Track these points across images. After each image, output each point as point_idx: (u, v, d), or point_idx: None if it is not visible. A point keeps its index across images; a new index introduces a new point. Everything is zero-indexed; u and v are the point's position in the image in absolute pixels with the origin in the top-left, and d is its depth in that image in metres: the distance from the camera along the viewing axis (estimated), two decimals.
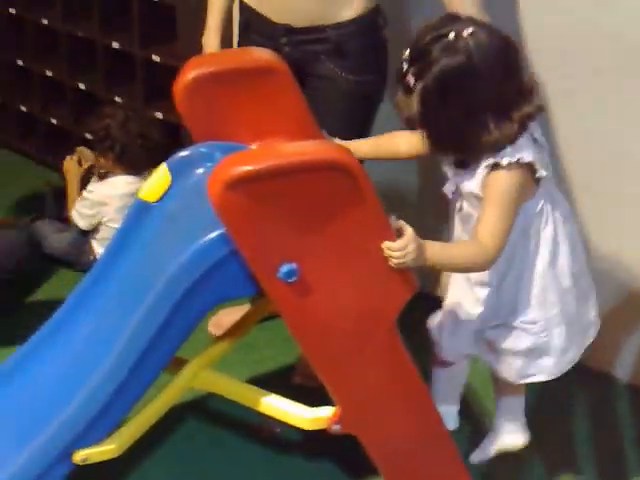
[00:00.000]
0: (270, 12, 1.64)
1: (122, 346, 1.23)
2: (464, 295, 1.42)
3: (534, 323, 1.38)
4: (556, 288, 1.36)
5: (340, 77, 1.63)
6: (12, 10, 2.62)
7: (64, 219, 2.37)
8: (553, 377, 1.45)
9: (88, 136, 2.53)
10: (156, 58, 2.34)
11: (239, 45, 1.73)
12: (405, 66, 1.23)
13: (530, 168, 1.26)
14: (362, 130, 1.67)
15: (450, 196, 1.38)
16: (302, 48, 1.61)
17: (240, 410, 1.47)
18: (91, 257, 2.33)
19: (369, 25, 1.45)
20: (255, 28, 1.68)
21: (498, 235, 1.24)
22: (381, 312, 1.25)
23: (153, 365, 1.26)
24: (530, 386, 1.52)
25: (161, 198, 1.46)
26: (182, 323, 1.24)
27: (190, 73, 1.41)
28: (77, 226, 2.29)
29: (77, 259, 2.34)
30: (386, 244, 1.17)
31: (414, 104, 1.22)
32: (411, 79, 1.21)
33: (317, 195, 1.14)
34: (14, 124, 2.88)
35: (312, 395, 1.40)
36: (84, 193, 2.28)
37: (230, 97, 1.43)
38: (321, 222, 1.16)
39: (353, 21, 1.59)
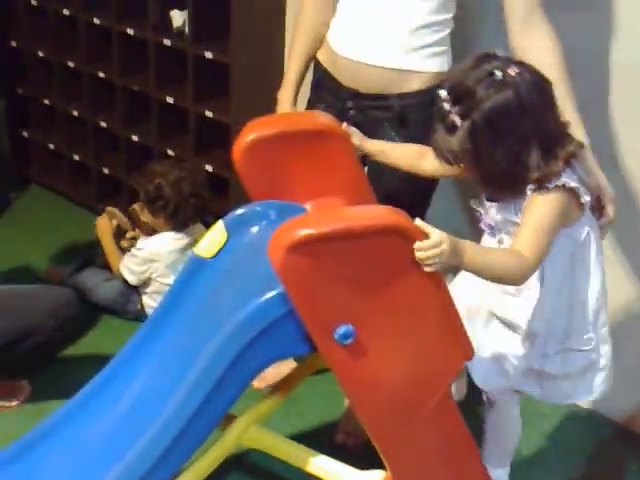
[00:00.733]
0: (341, 75, 1.69)
1: (178, 402, 1.24)
2: (507, 338, 1.41)
3: (589, 344, 1.39)
4: (606, 308, 1.40)
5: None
6: (71, 63, 2.73)
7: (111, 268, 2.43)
8: (599, 395, 1.45)
9: (138, 188, 2.61)
10: (208, 113, 2.41)
11: (310, 101, 1.78)
12: (447, 106, 1.23)
13: (574, 193, 1.28)
14: (424, 195, 1.70)
15: (488, 231, 1.39)
16: (366, 113, 1.66)
17: (280, 465, 1.47)
18: (138, 306, 2.37)
19: (433, 98, 1.48)
20: (326, 87, 1.73)
21: (537, 250, 1.24)
22: (436, 377, 1.24)
23: (208, 420, 1.26)
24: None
25: (216, 254, 1.49)
26: (238, 379, 1.25)
27: (250, 134, 1.45)
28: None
29: (123, 308, 2.38)
30: (417, 244, 1.14)
31: (456, 143, 1.23)
32: (456, 118, 1.22)
33: (376, 258, 1.15)
34: (67, 172, 2.97)
35: (354, 454, 1.40)
36: (133, 250, 2.32)
37: (287, 158, 1.47)
38: (379, 285, 1.17)
39: (418, 93, 1.62)
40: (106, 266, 2.44)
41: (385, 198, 1.48)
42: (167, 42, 2.39)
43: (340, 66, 1.67)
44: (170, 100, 2.49)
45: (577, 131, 1.40)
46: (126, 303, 2.37)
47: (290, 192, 1.49)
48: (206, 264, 1.49)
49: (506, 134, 1.22)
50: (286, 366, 1.71)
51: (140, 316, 2.37)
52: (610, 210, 1.41)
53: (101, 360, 2.14)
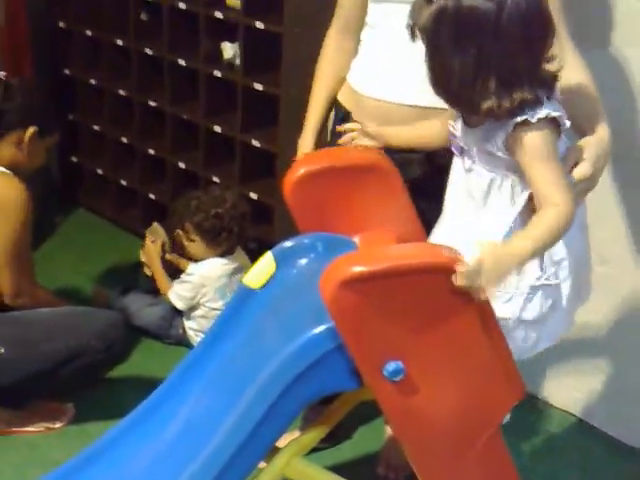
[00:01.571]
0: (365, 116, 1.64)
1: (225, 433, 1.25)
2: None
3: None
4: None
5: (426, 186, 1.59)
6: (122, 91, 2.81)
7: (155, 291, 2.46)
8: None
9: (183, 214, 2.65)
10: (255, 142, 2.45)
11: (333, 143, 1.72)
12: None
13: (556, 122, 1.20)
14: None
15: (457, 153, 1.33)
16: (393, 154, 1.59)
17: None
18: (180, 331, 2.40)
19: None
20: (349, 131, 1.65)
21: (563, 186, 1.19)
22: (486, 416, 1.23)
23: (253, 453, 1.26)
24: None
25: (264, 285, 1.51)
26: (285, 413, 1.25)
27: (301, 168, 1.47)
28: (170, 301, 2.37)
29: (166, 332, 2.41)
30: (457, 275, 1.10)
31: (424, 16, 1.15)
32: None
33: (428, 296, 1.15)
34: (114, 197, 3.03)
35: None
36: (183, 276, 2.35)
37: (337, 191, 1.48)
38: (430, 322, 1.17)
39: None
40: (149, 290, 2.49)
41: None
42: (217, 73, 2.45)
43: (364, 106, 1.64)
44: (218, 129, 2.53)
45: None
46: (169, 328, 2.40)
47: (339, 225, 1.50)
48: (254, 294, 1.51)
49: (466, 40, 1.13)
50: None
51: (182, 341, 2.40)
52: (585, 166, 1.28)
53: (143, 383, 2.19)
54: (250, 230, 2.40)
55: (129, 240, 2.98)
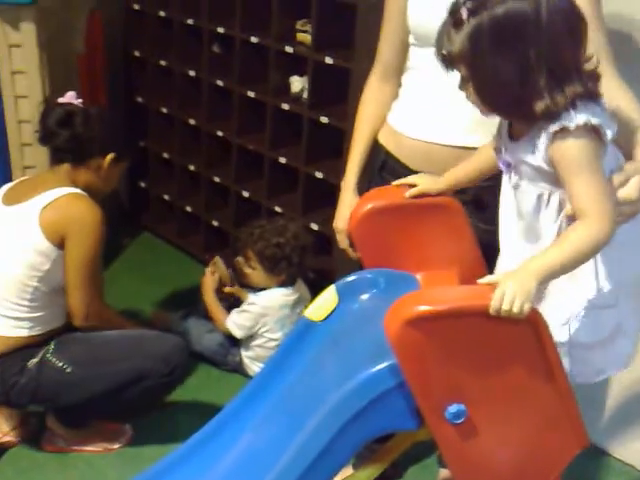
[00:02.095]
0: (408, 158, 1.64)
1: (282, 467, 1.25)
2: None
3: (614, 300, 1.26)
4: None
5: (476, 227, 1.56)
6: (192, 120, 2.89)
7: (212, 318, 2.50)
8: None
9: (244, 241, 2.69)
10: (318, 174, 2.48)
11: (373, 185, 1.71)
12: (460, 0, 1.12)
13: (597, 131, 1.14)
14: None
15: (505, 169, 1.28)
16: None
17: None
18: (237, 359, 2.42)
19: None
20: (390, 170, 1.68)
21: (602, 199, 1.13)
22: (547, 463, 1.20)
23: None
24: None
25: (326, 318, 1.52)
26: (342, 450, 1.25)
27: (367, 204, 1.48)
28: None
29: (223, 359, 2.44)
30: (490, 307, 1.09)
31: (457, 41, 1.12)
32: (464, 13, 1.10)
33: (493, 339, 1.14)
34: (179, 222, 3.11)
35: None
36: (244, 306, 2.38)
37: (401, 228, 1.49)
38: (494, 366, 1.16)
39: (494, 176, 1.51)
40: (207, 317, 2.52)
41: None
42: (285, 106, 2.49)
43: (407, 148, 1.63)
44: (282, 160, 2.58)
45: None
46: (226, 355, 2.43)
47: (402, 261, 1.50)
48: (315, 327, 1.51)
49: (511, 47, 1.10)
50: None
51: (238, 368, 2.42)
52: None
53: (198, 408, 2.22)
54: (310, 261, 2.42)
55: (191, 265, 3.04)
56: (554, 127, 1.14)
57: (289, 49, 2.43)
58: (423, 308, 1.12)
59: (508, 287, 1.09)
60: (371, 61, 2.24)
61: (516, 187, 1.28)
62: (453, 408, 1.16)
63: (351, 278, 1.53)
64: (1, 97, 2.47)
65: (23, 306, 1.85)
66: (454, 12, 1.13)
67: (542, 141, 1.16)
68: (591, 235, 1.13)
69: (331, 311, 1.52)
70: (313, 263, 2.45)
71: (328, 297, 1.51)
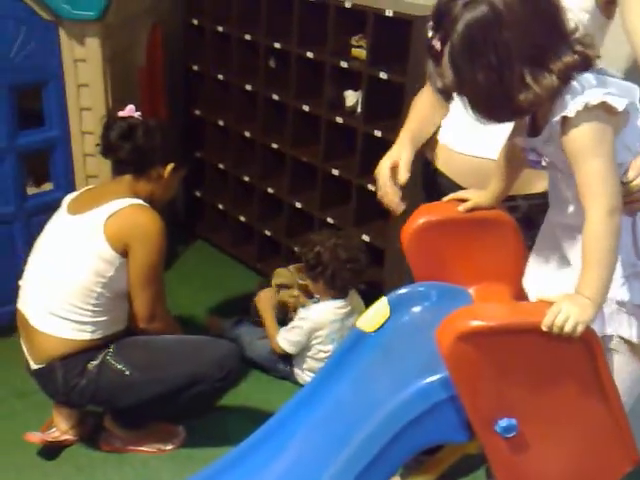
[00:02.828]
0: (458, 175, 1.65)
1: (331, 475, 1.28)
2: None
3: None
4: None
5: (527, 245, 1.54)
6: (247, 133, 2.96)
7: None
8: None
9: (296, 249, 2.75)
10: (371, 187, 2.50)
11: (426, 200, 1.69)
12: (430, 34, 1.15)
13: (605, 106, 1.12)
14: None
15: (534, 165, 1.28)
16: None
17: None
18: (288, 367, 2.46)
19: None
20: (439, 187, 1.69)
21: (598, 186, 1.13)
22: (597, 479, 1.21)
23: None
24: None
25: (378, 330, 1.55)
26: (392, 459, 1.27)
27: (420, 218, 1.50)
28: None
29: (275, 366, 2.48)
30: (543, 322, 1.11)
31: (446, 72, 1.14)
32: (437, 45, 1.14)
33: (545, 355, 1.15)
34: (232, 231, 3.18)
35: None
36: (295, 321, 2.40)
37: (454, 242, 1.51)
38: (546, 382, 1.17)
39: (544, 194, 1.51)
40: (259, 324, 2.57)
41: None
42: (339, 119, 2.54)
43: (457, 164, 1.63)
44: (336, 172, 2.62)
45: None
46: (276, 362, 2.47)
47: (454, 275, 1.52)
48: (367, 338, 1.54)
49: (485, 53, 1.11)
50: None
51: (289, 376, 2.47)
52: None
53: (249, 414, 2.27)
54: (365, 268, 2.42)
55: (244, 273, 3.11)
56: (556, 118, 1.14)
57: (344, 64, 2.47)
58: (476, 323, 1.14)
59: (564, 306, 1.11)
60: (423, 77, 2.27)
61: (558, 178, 1.27)
62: (504, 422, 1.18)
63: (403, 290, 1.56)
64: (66, 109, 2.57)
65: (87, 310, 1.93)
66: (429, 50, 1.16)
67: (555, 136, 1.17)
68: (599, 228, 1.13)
69: (383, 323, 1.55)
70: (366, 270, 2.48)
71: (380, 309, 1.54)
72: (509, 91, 1.12)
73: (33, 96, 2.47)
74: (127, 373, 1.94)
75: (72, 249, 1.94)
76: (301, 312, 2.43)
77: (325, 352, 2.37)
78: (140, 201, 1.96)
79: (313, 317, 2.37)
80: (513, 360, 1.17)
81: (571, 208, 1.28)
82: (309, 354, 2.40)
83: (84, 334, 1.94)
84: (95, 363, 1.94)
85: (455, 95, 1.19)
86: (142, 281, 1.94)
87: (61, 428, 2.12)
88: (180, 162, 2.08)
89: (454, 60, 1.13)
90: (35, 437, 2.08)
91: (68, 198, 2.05)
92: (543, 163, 1.28)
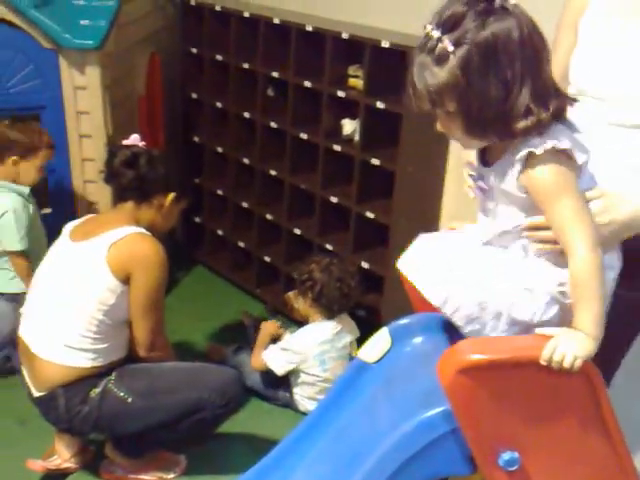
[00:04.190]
0: None
1: None
2: None
3: None
4: None
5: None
6: (246, 160, 2.99)
7: None
8: None
9: (295, 275, 2.77)
10: (369, 214, 2.53)
11: None
12: (436, 33, 1.12)
13: (567, 155, 1.15)
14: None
15: (479, 195, 1.28)
16: None
17: None
18: (287, 395, 2.47)
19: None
20: None
21: (578, 227, 1.15)
22: None
23: None
24: None
25: (379, 360, 1.56)
26: None
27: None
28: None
29: (274, 395, 2.48)
30: (541, 356, 1.13)
31: (444, 75, 1.11)
32: (449, 45, 1.10)
33: (546, 388, 1.17)
34: (231, 257, 3.19)
35: None
36: (281, 343, 2.42)
37: None
38: (547, 415, 1.18)
39: None
40: None
41: None
42: (337, 147, 2.57)
43: None
44: (334, 199, 2.64)
45: None
46: (276, 391, 2.48)
47: None
48: (368, 369, 1.55)
49: (502, 67, 1.11)
50: None
51: (289, 404, 2.47)
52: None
53: (250, 442, 2.27)
54: (359, 298, 2.46)
55: (243, 299, 3.12)
56: (522, 153, 1.15)
57: (341, 93, 2.50)
58: (476, 357, 1.16)
59: (562, 341, 1.13)
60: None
61: (492, 213, 1.28)
62: (506, 455, 1.19)
63: (404, 321, 1.57)
64: (66, 136, 2.60)
65: (88, 337, 1.94)
66: (432, 48, 1.12)
67: (513, 167, 1.18)
68: (585, 267, 1.15)
69: (384, 353, 1.56)
70: (362, 300, 2.50)
71: (381, 339, 1.55)
72: (510, 112, 1.13)
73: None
74: (129, 400, 1.95)
75: (74, 276, 1.95)
76: (286, 336, 2.46)
77: (317, 376, 2.39)
78: (142, 230, 1.98)
79: (299, 339, 2.39)
80: (514, 393, 1.18)
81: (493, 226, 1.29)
82: (302, 380, 2.42)
83: (86, 361, 1.95)
84: (97, 390, 1.95)
85: (428, 106, 1.16)
86: (143, 310, 1.95)
87: (63, 456, 2.12)
88: (181, 193, 2.10)
89: (468, 65, 1.11)
90: (37, 465, 2.08)
91: (70, 225, 2.07)
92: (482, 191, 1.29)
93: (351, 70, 2.55)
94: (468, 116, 1.15)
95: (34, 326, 2.00)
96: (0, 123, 2.35)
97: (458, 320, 1.28)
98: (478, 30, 1.10)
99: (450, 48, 1.11)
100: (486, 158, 1.27)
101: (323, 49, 2.52)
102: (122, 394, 1.95)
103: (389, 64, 2.36)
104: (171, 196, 2.05)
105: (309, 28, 2.55)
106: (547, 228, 1.21)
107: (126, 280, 1.92)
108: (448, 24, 1.12)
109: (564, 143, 1.15)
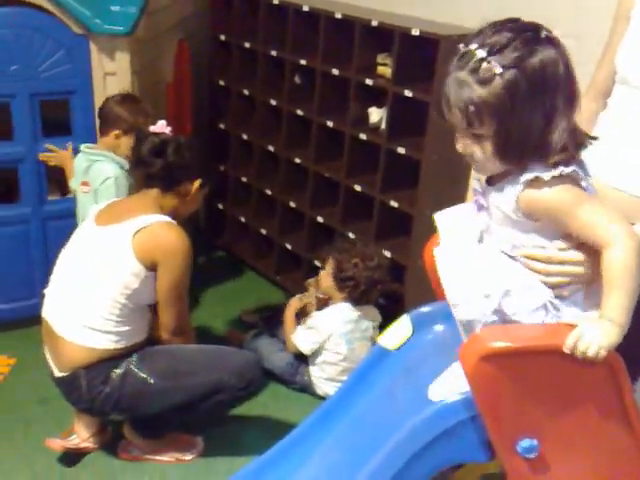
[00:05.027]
0: None
1: None
2: None
3: None
4: None
5: None
6: (271, 147, 2.99)
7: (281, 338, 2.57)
8: None
9: (317, 263, 2.77)
10: (393, 203, 2.52)
11: None
12: (481, 53, 1.12)
13: (572, 180, 1.17)
14: None
15: (477, 208, 1.29)
16: None
17: None
18: (305, 378, 2.48)
19: None
20: None
21: (611, 218, 1.15)
22: None
23: None
24: None
25: (400, 347, 1.56)
26: (413, 477, 1.28)
27: None
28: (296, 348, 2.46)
29: (291, 378, 2.49)
30: (565, 344, 1.13)
31: (485, 94, 1.11)
32: (496, 67, 1.11)
33: (568, 377, 1.16)
34: (253, 244, 3.20)
35: None
36: (308, 322, 2.44)
37: None
38: (568, 404, 1.18)
39: None
40: (274, 336, 2.60)
41: None
42: (363, 136, 2.56)
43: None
44: (358, 188, 2.64)
45: None
46: (294, 374, 2.49)
47: None
48: (389, 355, 1.56)
49: (546, 96, 1.12)
50: None
51: (307, 387, 2.48)
52: None
53: (266, 424, 2.28)
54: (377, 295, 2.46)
55: (263, 286, 3.13)
56: (528, 176, 1.16)
57: (369, 82, 2.49)
58: (499, 344, 1.15)
59: (587, 330, 1.12)
60: None
61: (486, 230, 1.29)
62: (525, 442, 1.18)
63: (425, 309, 1.57)
64: (94, 121, 2.60)
65: (111, 320, 1.96)
66: (475, 68, 1.13)
67: (512, 190, 1.19)
68: (629, 254, 1.14)
69: (405, 340, 1.56)
70: (385, 289, 2.49)
71: (402, 327, 1.56)
72: (550, 143, 1.14)
73: (64, 107, 2.53)
74: (150, 382, 1.96)
75: (99, 260, 1.97)
76: (315, 314, 2.46)
77: (340, 354, 2.40)
78: (168, 218, 1.99)
79: (325, 319, 2.40)
80: (535, 381, 1.18)
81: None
82: (324, 359, 2.42)
83: (108, 343, 1.97)
84: (119, 372, 1.97)
85: (462, 123, 1.16)
86: (170, 297, 1.97)
87: (81, 436, 2.15)
88: (205, 177, 2.11)
89: (514, 88, 1.11)
90: (56, 443, 2.11)
91: (96, 209, 2.09)
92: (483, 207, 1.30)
93: (380, 58, 2.53)
94: (506, 140, 1.15)
95: (58, 307, 2.02)
96: (111, 98, 2.40)
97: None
98: (527, 56, 1.11)
99: (498, 70, 1.11)
100: (491, 176, 1.28)
101: (352, 37, 2.51)
102: (143, 375, 1.97)
103: (418, 52, 2.35)
104: (197, 183, 2.06)
105: (338, 15, 2.54)
106: (545, 261, 1.22)
107: (150, 266, 1.94)
108: (495, 46, 1.12)
109: (567, 168, 1.16)
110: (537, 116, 1.13)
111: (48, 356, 2.05)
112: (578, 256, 1.21)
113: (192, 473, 2.13)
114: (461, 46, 1.16)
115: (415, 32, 2.29)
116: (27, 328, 2.55)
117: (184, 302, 2.02)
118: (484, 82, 1.12)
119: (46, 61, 2.44)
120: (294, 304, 2.55)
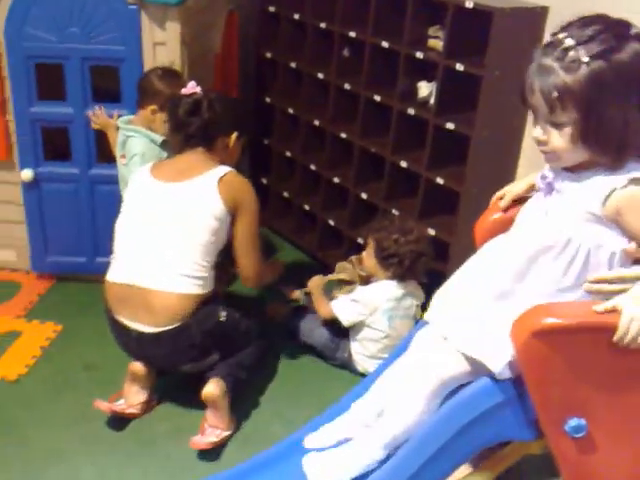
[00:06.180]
0: None
1: (393, 466, 1.28)
2: None
3: None
4: None
5: None
6: (317, 122, 2.96)
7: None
8: None
9: (359, 240, 2.74)
10: (440, 180, 2.48)
11: None
12: (570, 42, 1.14)
13: None
14: None
15: (544, 188, 1.28)
16: None
17: None
18: (346, 354, 2.46)
19: None
20: None
21: None
22: None
23: None
24: None
25: None
26: (458, 452, 1.27)
27: (495, 214, 1.49)
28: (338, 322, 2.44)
29: (332, 354, 2.48)
30: (616, 336, 1.11)
31: (571, 80, 1.13)
32: (583, 55, 1.12)
33: (620, 357, 1.13)
34: (296, 220, 3.19)
35: None
36: (352, 295, 2.42)
37: None
38: (618, 384, 1.14)
39: None
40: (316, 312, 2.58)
41: None
42: (411, 111, 2.51)
43: None
44: (404, 164, 2.59)
45: None
46: (335, 350, 2.48)
47: None
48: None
49: (631, 91, 1.13)
50: None
51: (347, 364, 2.47)
52: None
53: (306, 399, 2.27)
54: (423, 268, 2.41)
55: (305, 261, 3.12)
56: (628, 176, 1.16)
57: (419, 55, 2.44)
58: (552, 321, 1.12)
59: (638, 313, 1.09)
60: (502, 69, 2.23)
61: (544, 214, 1.28)
62: (573, 422, 1.15)
63: None
64: None
65: (204, 266, 2.08)
66: (562, 56, 1.14)
67: (604, 186, 1.18)
68: None
69: None
70: (428, 267, 2.45)
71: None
72: (628, 138, 1.15)
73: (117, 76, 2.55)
74: (242, 322, 2.17)
75: (184, 210, 2.06)
76: (358, 289, 2.43)
77: (382, 331, 2.37)
78: (228, 168, 2.11)
79: (368, 295, 2.38)
80: (587, 360, 1.14)
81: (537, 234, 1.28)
82: (364, 335, 2.40)
83: (198, 289, 2.08)
84: (224, 313, 2.11)
85: (545, 108, 1.17)
86: (251, 240, 2.13)
87: (130, 401, 2.17)
88: (240, 130, 2.21)
89: (600, 79, 1.12)
90: (103, 405, 2.14)
91: (146, 170, 2.16)
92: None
93: (431, 31, 2.48)
94: (586, 127, 1.16)
95: (143, 265, 2.08)
96: (153, 71, 2.43)
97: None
98: (615, 50, 1.12)
99: (585, 59, 1.13)
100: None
101: (404, 9, 2.46)
102: (237, 315, 2.16)
103: (471, 25, 2.29)
104: (234, 135, 2.18)
105: None
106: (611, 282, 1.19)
107: (231, 211, 2.07)
108: (583, 36, 1.14)
109: None
110: (621, 110, 1.13)
111: (128, 320, 2.10)
112: None
113: (233, 444, 2.13)
114: (549, 35, 1.17)
115: (469, 4, 2.23)
116: (73, 297, 2.62)
117: (260, 248, 2.19)
118: (570, 70, 1.14)
119: (98, 27, 2.46)
120: (316, 283, 2.51)
